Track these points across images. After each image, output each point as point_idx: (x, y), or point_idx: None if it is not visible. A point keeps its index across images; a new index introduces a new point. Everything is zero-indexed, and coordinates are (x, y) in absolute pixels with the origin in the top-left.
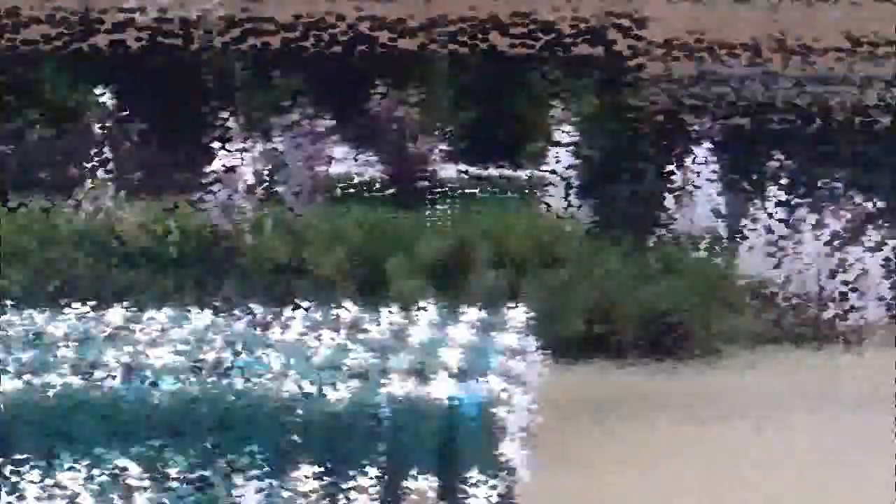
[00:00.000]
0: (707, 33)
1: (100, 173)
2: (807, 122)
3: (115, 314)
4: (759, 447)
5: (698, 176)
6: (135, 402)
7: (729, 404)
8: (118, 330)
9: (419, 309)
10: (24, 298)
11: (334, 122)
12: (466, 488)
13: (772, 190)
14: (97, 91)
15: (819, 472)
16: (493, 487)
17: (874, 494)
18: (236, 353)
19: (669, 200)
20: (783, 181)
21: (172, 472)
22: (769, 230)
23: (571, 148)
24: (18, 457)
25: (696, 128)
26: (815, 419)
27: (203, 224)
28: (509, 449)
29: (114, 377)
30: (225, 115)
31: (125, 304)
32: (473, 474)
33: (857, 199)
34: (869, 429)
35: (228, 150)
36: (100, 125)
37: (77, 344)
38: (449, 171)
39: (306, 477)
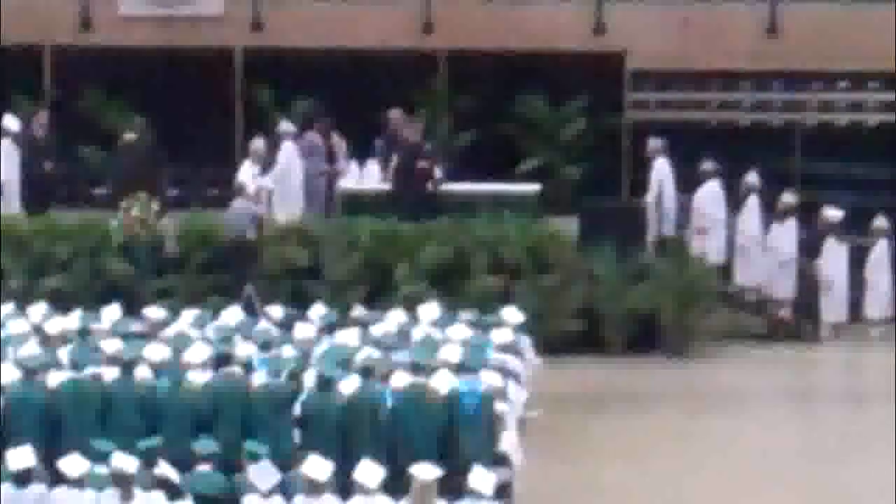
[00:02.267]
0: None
1: (139, 189)
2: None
3: (152, 314)
4: (735, 436)
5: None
6: (167, 394)
7: (703, 396)
8: (154, 328)
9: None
10: (70, 300)
11: (347, 140)
12: (466, 476)
13: (748, 201)
14: (137, 117)
15: (796, 460)
16: (492, 476)
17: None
18: (259, 350)
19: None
20: (758, 193)
21: (199, 456)
22: (742, 237)
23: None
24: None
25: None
26: (780, 409)
27: (229, 234)
28: (506, 439)
29: (149, 371)
30: (249, 135)
31: (160, 305)
32: (473, 463)
33: (823, 212)
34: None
35: (252, 167)
36: (139, 146)
37: (117, 341)
38: (449, 185)
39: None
